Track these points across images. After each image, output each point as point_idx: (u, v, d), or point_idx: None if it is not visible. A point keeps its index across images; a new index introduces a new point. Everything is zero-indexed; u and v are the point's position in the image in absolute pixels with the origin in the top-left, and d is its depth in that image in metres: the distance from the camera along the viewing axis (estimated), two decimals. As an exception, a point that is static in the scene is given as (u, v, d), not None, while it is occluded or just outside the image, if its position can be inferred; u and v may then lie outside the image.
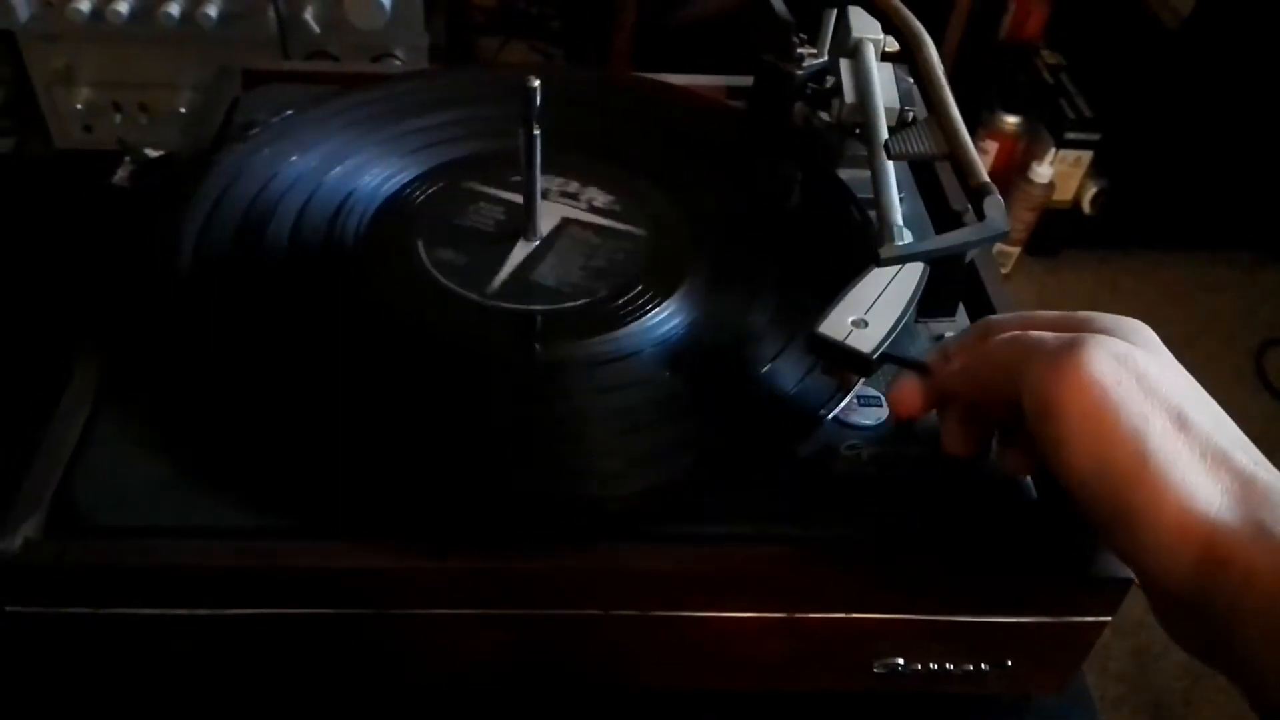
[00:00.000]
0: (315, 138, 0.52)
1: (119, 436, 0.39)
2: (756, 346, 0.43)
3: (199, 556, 0.35)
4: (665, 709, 0.42)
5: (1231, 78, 1.53)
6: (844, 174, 0.53)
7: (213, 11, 0.96)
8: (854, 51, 0.52)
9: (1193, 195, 1.63)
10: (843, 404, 0.42)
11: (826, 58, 0.54)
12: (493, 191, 0.49)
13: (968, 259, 0.46)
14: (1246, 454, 0.32)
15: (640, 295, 0.44)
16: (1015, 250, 1.71)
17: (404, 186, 0.49)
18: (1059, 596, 0.39)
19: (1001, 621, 0.39)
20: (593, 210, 0.49)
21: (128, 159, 0.55)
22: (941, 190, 0.53)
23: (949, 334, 0.46)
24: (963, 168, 0.43)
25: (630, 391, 0.41)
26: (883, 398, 0.42)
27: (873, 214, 0.45)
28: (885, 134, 0.47)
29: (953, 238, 0.42)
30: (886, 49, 0.52)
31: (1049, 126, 1.65)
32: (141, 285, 0.44)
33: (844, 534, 0.38)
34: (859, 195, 0.50)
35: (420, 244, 0.46)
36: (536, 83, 0.43)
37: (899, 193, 0.45)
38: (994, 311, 0.47)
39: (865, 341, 0.39)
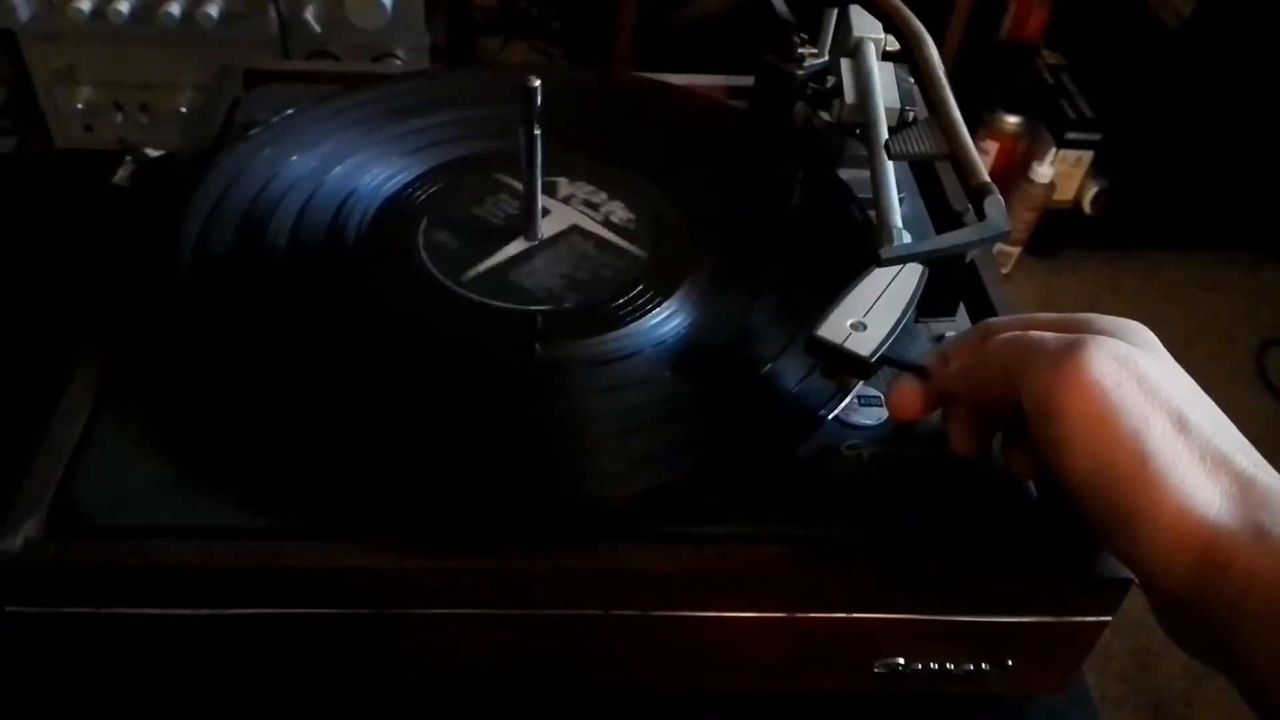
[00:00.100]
0: (316, 138, 0.52)
1: (119, 436, 0.39)
2: (757, 346, 0.43)
3: (199, 556, 0.35)
4: (665, 709, 0.42)
5: (1232, 78, 1.53)
6: (844, 174, 0.53)
7: (213, 11, 0.96)
8: (855, 51, 0.52)
9: (1193, 195, 1.63)
10: (843, 404, 0.42)
11: (827, 57, 0.54)
12: (519, 185, 0.48)
13: (968, 259, 0.46)
14: (1246, 456, 0.32)
15: (641, 295, 0.44)
16: (1016, 250, 1.71)
17: (405, 186, 0.49)
18: (1059, 596, 0.39)
19: (1002, 621, 0.39)
20: (606, 224, 0.48)
21: (128, 158, 0.55)
22: (942, 190, 0.53)
23: (949, 334, 0.46)
24: (963, 168, 0.43)
25: (631, 391, 0.41)
26: (883, 398, 0.42)
27: (873, 214, 0.45)
28: (886, 134, 0.47)
29: (953, 238, 0.42)
30: (887, 48, 0.52)
31: (1049, 126, 1.65)
32: (142, 285, 0.44)
33: (844, 534, 0.38)
34: (859, 195, 0.50)
35: (421, 237, 0.46)
36: (537, 82, 0.43)
37: (899, 193, 0.45)
38: (994, 311, 0.47)
39: (864, 344, 0.39)
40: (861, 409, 0.42)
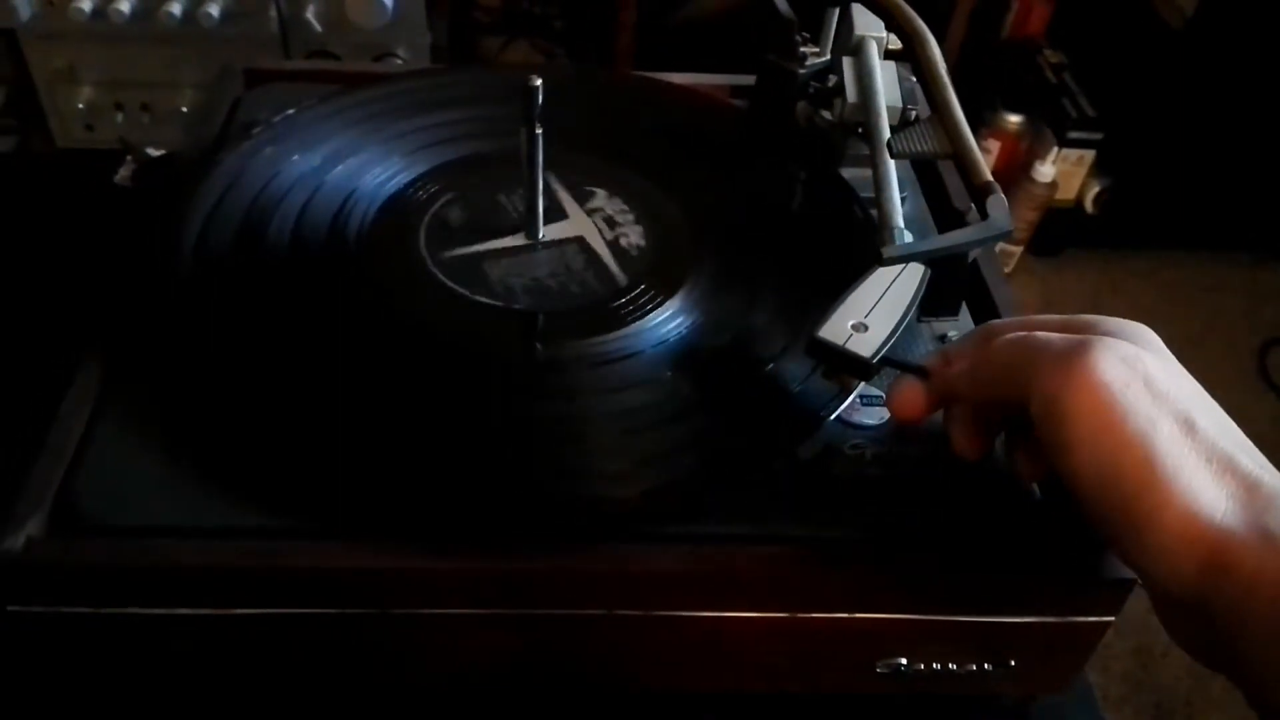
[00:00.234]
0: (317, 137, 0.52)
1: (121, 436, 0.39)
2: (758, 346, 0.43)
3: (200, 556, 0.35)
4: (666, 709, 0.42)
5: (1235, 77, 1.53)
6: (846, 173, 0.53)
7: (214, 10, 0.96)
8: (857, 50, 0.52)
9: (1196, 195, 1.63)
10: (845, 404, 0.41)
11: (829, 56, 0.54)
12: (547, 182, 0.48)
13: (971, 258, 0.46)
14: (1251, 458, 0.32)
15: (642, 295, 0.44)
16: (1018, 249, 1.71)
17: (406, 186, 0.49)
18: (1062, 597, 0.38)
19: (1004, 621, 0.39)
20: (613, 244, 0.47)
21: (129, 158, 0.55)
22: (944, 189, 0.53)
23: (952, 333, 0.46)
24: (966, 167, 0.43)
25: (632, 392, 0.41)
26: (885, 397, 0.42)
27: (875, 213, 0.45)
28: (888, 133, 0.47)
29: (956, 237, 0.42)
30: (889, 47, 0.52)
31: (1052, 125, 1.65)
32: (143, 285, 0.44)
33: (846, 534, 0.38)
34: (861, 194, 0.50)
35: (422, 237, 0.46)
36: (538, 82, 0.43)
37: (902, 192, 0.45)
38: (997, 311, 0.47)
39: (865, 346, 0.38)
40: (863, 408, 0.42)
